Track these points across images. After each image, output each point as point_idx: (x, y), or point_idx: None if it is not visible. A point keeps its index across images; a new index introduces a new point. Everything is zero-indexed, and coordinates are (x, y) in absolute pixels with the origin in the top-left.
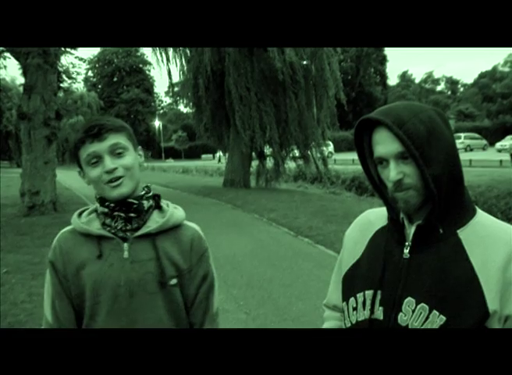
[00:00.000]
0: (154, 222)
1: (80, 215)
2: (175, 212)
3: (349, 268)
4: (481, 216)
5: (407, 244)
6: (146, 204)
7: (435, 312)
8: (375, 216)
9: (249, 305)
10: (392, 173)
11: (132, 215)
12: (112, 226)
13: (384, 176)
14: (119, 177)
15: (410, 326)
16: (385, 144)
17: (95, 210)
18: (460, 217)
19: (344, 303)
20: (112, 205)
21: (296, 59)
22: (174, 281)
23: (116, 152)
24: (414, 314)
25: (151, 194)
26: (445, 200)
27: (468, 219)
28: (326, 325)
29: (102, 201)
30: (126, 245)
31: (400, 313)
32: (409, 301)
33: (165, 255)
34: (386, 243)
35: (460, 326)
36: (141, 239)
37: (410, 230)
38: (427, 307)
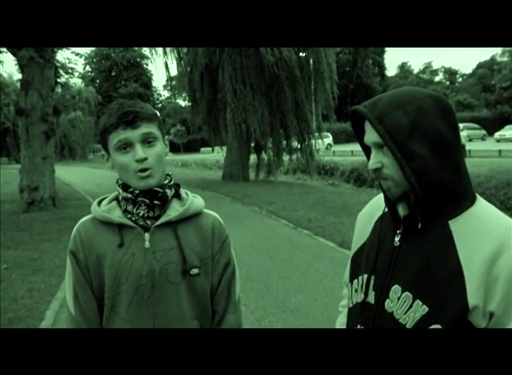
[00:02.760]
0: (175, 210)
1: (99, 203)
2: (194, 200)
3: (356, 250)
4: (479, 207)
5: (398, 232)
6: (169, 192)
7: (418, 301)
8: (384, 200)
9: (248, 297)
10: (370, 161)
11: (156, 202)
12: (134, 213)
13: None
14: (148, 168)
15: (394, 314)
16: (368, 133)
17: (115, 198)
18: (452, 208)
19: (349, 284)
20: (137, 191)
21: (290, 53)
22: (196, 271)
23: (147, 141)
24: (399, 302)
25: (172, 182)
26: (434, 192)
27: (463, 210)
28: (342, 303)
29: (125, 187)
30: (147, 235)
31: (387, 300)
32: (396, 289)
33: (187, 244)
34: (384, 229)
35: (442, 318)
36: (162, 228)
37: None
38: (411, 296)
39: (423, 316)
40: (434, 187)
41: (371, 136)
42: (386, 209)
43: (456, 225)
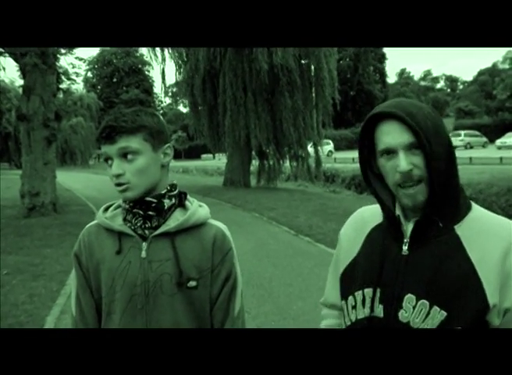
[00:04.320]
0: (175, 220)
1: (106, 209)
2: (198, 210)
3: (346, 267)
4: (476, 211)
5: (405, 240)
6: (167, 202)
7: (435, 307)
8: (370, 214)
9: (249, 303)
10: (403, 162)
11: (151, 213)
12: (132, 223)
13: (388, 168)
14: (124, 183)
15: (411, 323)
16: (394, 134)
17: (120, 205)
18: (456, 213)
19: (343, 302)
20: (132, 203)
21: (290, 59)
22: (193, 283)
23: (126, 156)
24: (415, 310)
25: (175, 192)
26: (444, 195)
27: (464, 214)
28: (324, 323)
29: None
30: (144, 244)
31: (401, 310)
32: (409, 298)
33: (185, 256)
34: (383, 240)
35: (461, 321)
36: (160, 238)
37: (407, 227)
38: (427, 303)
39: (442, 322)
40: (447, 191)
41: (401, 137)
42: (381, 220)
43: (462, 229)
